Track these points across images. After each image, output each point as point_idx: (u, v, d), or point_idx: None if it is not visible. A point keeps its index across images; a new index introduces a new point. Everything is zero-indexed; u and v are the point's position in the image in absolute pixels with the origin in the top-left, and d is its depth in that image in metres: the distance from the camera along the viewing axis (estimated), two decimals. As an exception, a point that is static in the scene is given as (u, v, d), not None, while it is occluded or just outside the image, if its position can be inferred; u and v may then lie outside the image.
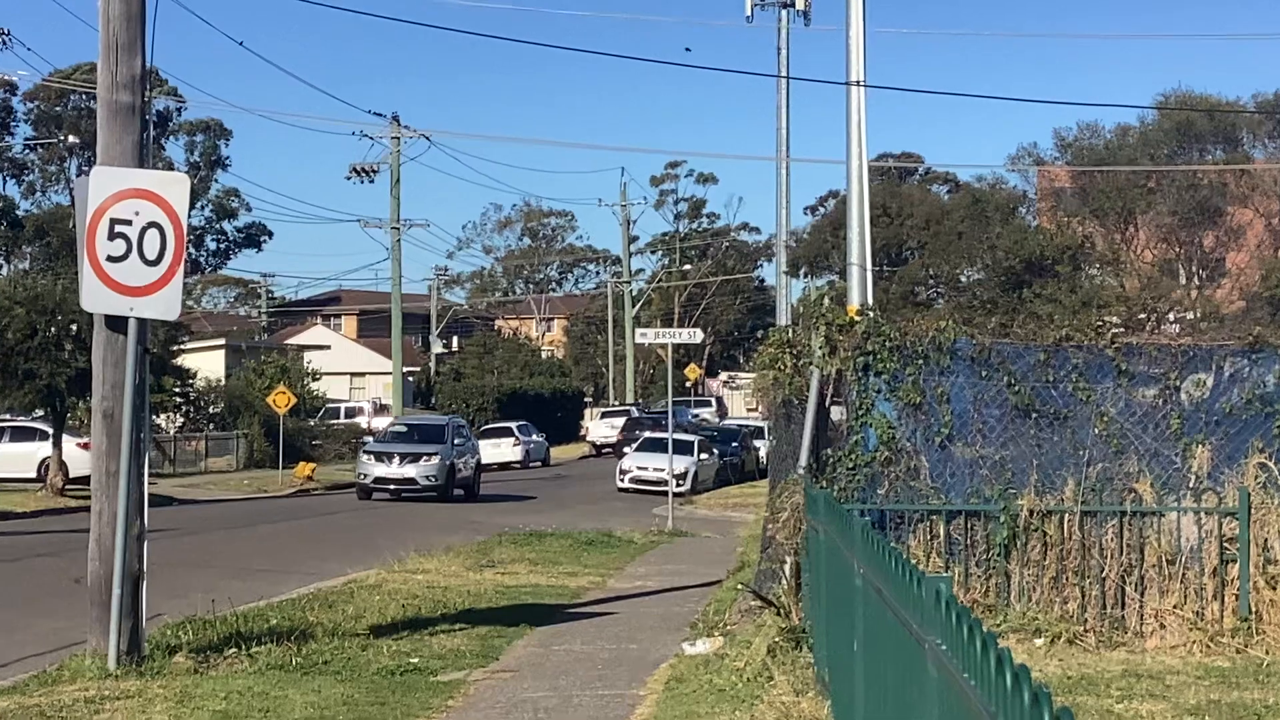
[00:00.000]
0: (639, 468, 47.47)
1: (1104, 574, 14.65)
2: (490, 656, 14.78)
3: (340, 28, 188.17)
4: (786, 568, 14.81)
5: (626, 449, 55.36)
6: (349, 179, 62.26)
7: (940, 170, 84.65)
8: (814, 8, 40.64)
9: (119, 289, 13.50)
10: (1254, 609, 14.35)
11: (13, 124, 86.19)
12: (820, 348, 15.14)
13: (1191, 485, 14.81)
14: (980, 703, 4.42)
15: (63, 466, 39.05)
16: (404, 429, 46.53)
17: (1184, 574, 14.60)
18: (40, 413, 42.44)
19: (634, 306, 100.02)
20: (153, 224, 13.57)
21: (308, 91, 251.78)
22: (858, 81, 21.56)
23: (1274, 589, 14.35)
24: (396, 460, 43.22)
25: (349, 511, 39.11)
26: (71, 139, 75.22)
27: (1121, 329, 16.47)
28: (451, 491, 43.01)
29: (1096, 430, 14.93)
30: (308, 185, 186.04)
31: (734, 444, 55.85)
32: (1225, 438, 14.90)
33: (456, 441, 44.77)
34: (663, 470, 40.16)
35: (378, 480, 42.86)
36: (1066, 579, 14.66)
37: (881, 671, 7.12)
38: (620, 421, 74.58)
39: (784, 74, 37.42)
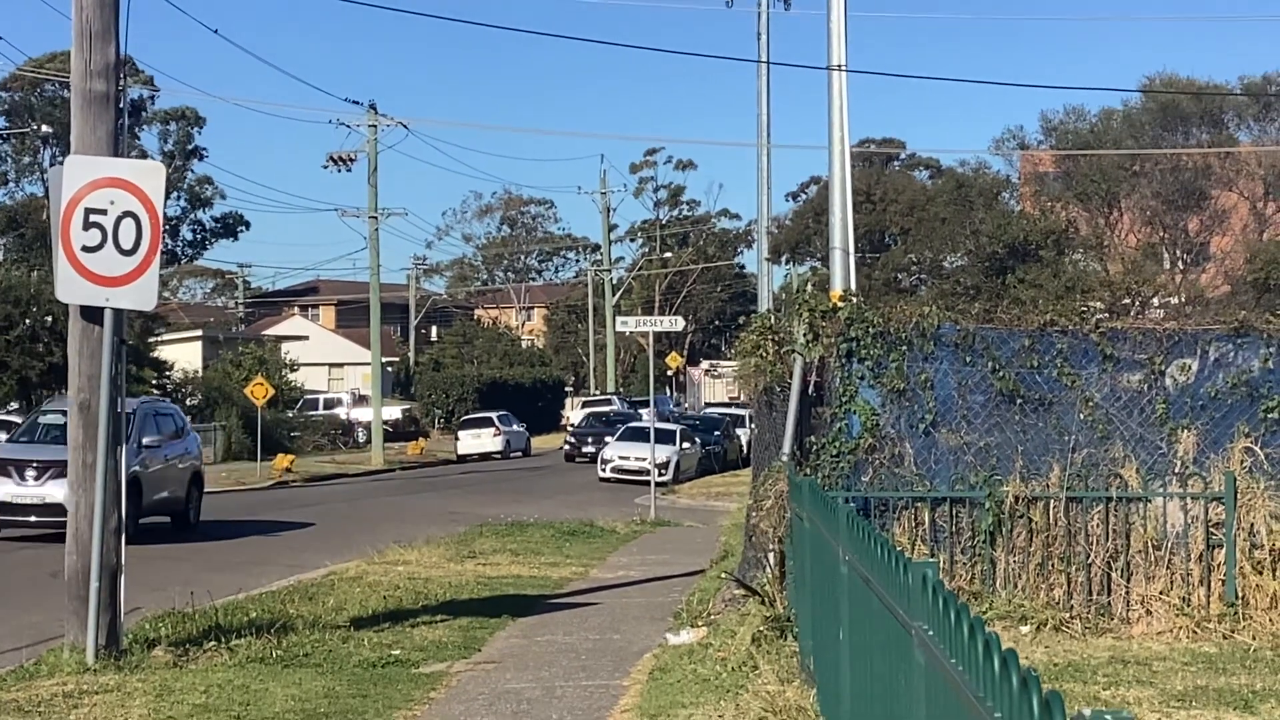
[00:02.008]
0: (620, 457, 47.38)
1: (1090, 560, 14.59)
2: (472, 648, 14.69)
3: (316, 14, 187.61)
4: (770, 556, 14.73)
5: (608, 438, 55.48)
6: (326, 168, 62.00)
7: (923, 156, 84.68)
8: (794, -7, 40.54)
9: (94, 279, 13.36)
10: (1240, 594, 14.29)
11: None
12: (803, 334, 15.05)
13: (1177, 470, 14.75)
14: (969, 688, 4.35)
15: (40, 459, 38.79)
16: (58, 420, 26.11)
17: (1170, 560, 14.54)
18: (14, 405, 42.23)
19: (614, 295, 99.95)
20: (128, 213, 13.43)
21: (284, 79, 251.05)
22: (839, 66, 21.46)
23: (1260, 574, 14.30)
24: (32, 474, 26.04)
25: (328, 503, 38.95)
26: (45, 129, 74.80)
27: (1106, 314, 16.42)
28: (131, 523, 23.42)
29: (1081, 416, 14.86)
30: (284, 174, 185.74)
31: (716, 433, 55.85)
32: (1211, 422, 14.84)
33: (148, 441, 27.48)
34: (644, 460, 40.11)
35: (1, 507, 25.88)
36: (1052, 565, 14.59)
37: (868, 659, 7.04)
38: (604, 411, 74.52)
39: (764, 59, 37.34)
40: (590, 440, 58.10)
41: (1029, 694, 3.72)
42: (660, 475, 40.57)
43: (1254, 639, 13.88)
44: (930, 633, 5.10)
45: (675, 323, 39.80)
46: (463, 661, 13.92)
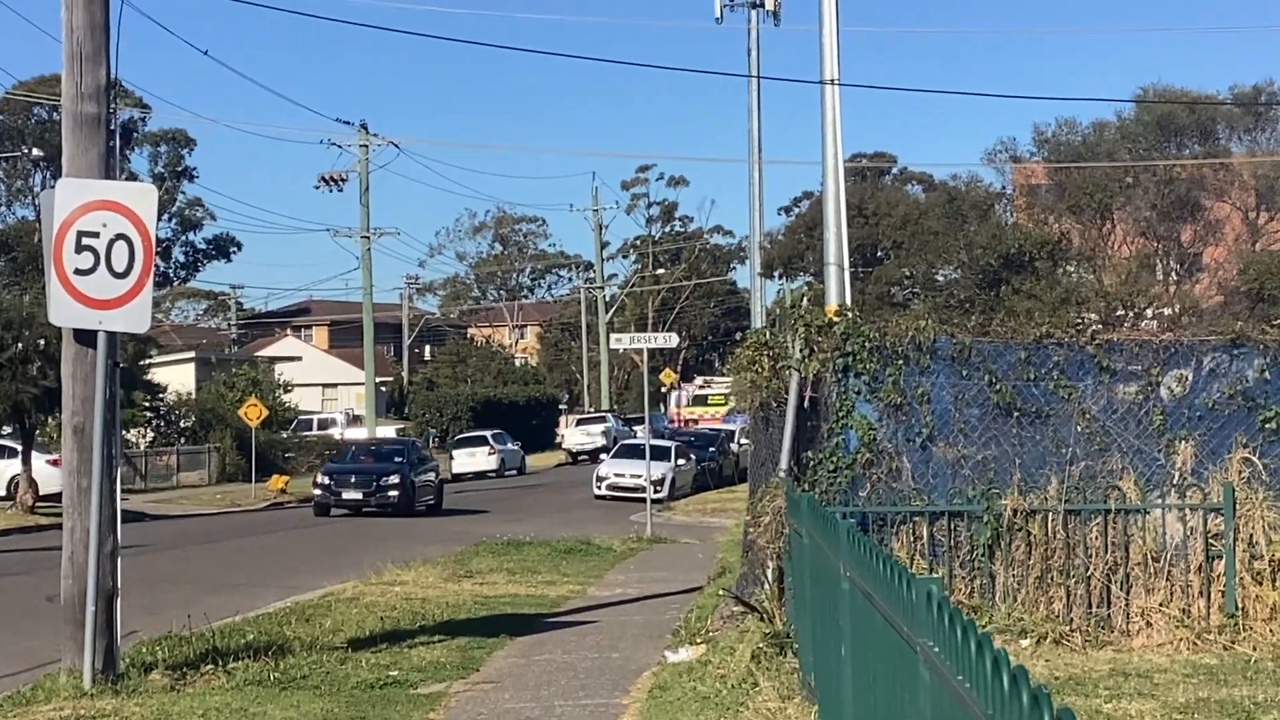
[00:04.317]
0: (616, 474, 47.32)
1: (1089, 573, 14.55)
2: (470, 668, 14.62)
3: (306, 35, 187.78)
4: (769, 572, 14.68)
5: (603, 456, 55.29)
6: (318, 188, 62.15)
7: (915, 169, 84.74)
8: (783, 8, 40.68)
9: (87, 302, 13.32)
10: (1240, 605, 14.26)
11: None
12: (799, 349, 15.01)
13: (1175, 482, 14.72)
14: (977, 706, 4.30)
15: (32, 484, 38.77)
16: None
17: (1169, 571, 14.51)
18: (8, 430, 42.13)
19: (608, 312, 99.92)
20: (120, 236, 13.39)
21: (274, 100, 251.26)
22: (832, 80, 21.46)
23: (1260, 585, 14.27)
24: None
25: (324, 524, 38.87)
26: (36, 152, 74.74)
27: (1100, 326, 16.41)
28: None
29: (1079, 428, 14.83)
30: (276, 195, 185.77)
31: (711, 449, 55.77)
32: (1208, 433, 14.81)
33: None
34: (640, 477, 40.04)
35: None
36: (1051, 578, 14.56)
37: (871, 676, 6.99)
38: (598, 428, 74.45)
39: (755, 74, 37.38)
40: (354, 482, 41.58)
41: (1040, 711, 3.68)
42: (656, 492, 40.48)
43: (1255, 650, 13.86)
44: (936, 649, 5.06)
45: (669, 339, 39.65)
46: (461, 682, 13.86)
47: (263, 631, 16.20)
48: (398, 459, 42.90)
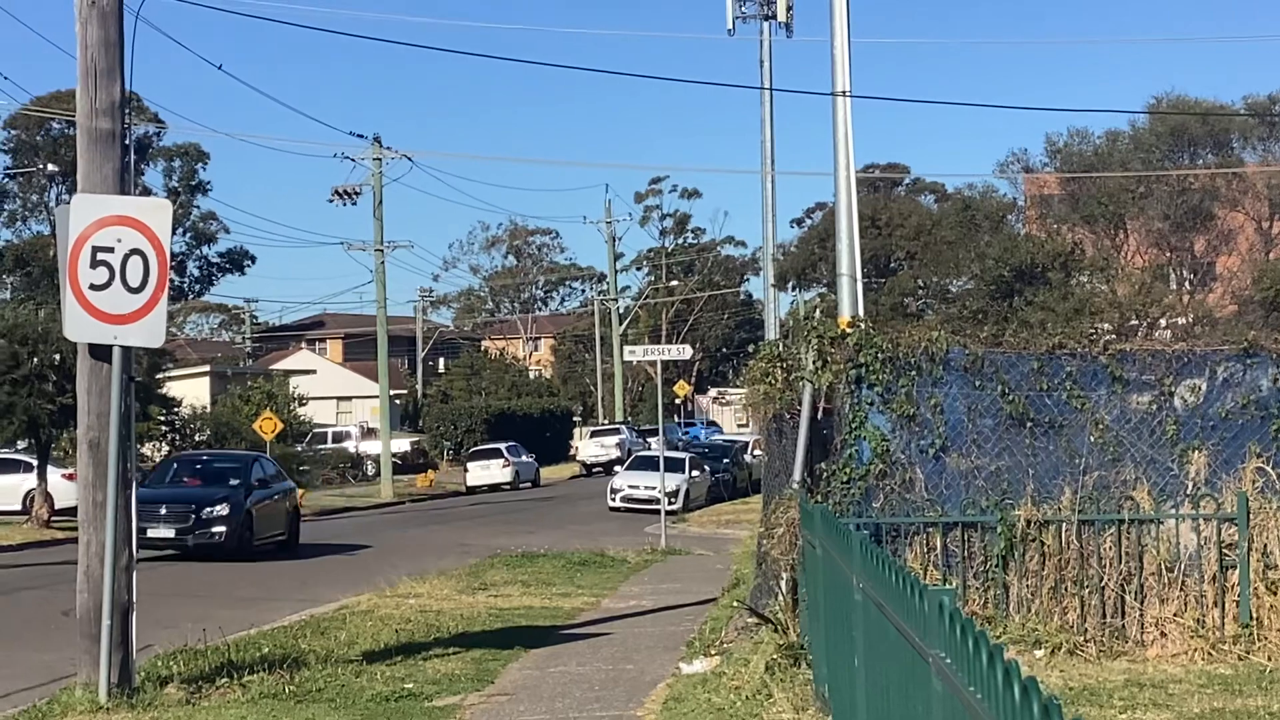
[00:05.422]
0: (630, 486, 47.32)
1: (1103, 583, 14.54)
2: (485, 680, 14.64)
3: (319, 49, 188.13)
4: (782, 583, 14.69)
5: (617, 468, 55.28)
6: (331, 202, 61.97)
7: (928, 180, 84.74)
8: (796, 20, 40.73)
9: (102, 317, 13.37)
10: (1255, 615, 14.25)
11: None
12: (812, 361, 15.03)
13: (1189, 492, 14.72)
14: (989, 717, 4.32)
15: (48, 498, 38.82)
16: None
17: (1184, 581, 14.49)
18: (24, 444, 42.19)
19: (621, 324, 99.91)
20: (135, 251, 13.44)
21: (288, 113, 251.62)
22: (843, 92, 21.49)
23: (1274, 595, 14.25)
24: None
25: (339, 537, 38.92)
26: (51, 167, 74.91)
27: (1113, 336, 16.41)
28: None
29: (1092, 438, 14.83)
30: (290, 208, 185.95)
31: (725, 460, 55.77)
32: (1222, 443, 14.80)
33: None
34: (654, 489, 40.04)
35: None
36: (1065, 589, 14.55)
37: (884, 687, 7.01)
38: (612, 440, 74.43)
39: (767, 86, 37.45)
40: (165, 514, 30.00)
41: (1050, 721, 3.70)
42: (670, 504, 40.46)
43: (1269, 660, 13.84)
44: (948, 660, 5.08)
45: (683, 351, 39.67)
46: (476, 694, 13.87)
47: (278, 644, 16.23)
48: (232, 480, 32.04)
